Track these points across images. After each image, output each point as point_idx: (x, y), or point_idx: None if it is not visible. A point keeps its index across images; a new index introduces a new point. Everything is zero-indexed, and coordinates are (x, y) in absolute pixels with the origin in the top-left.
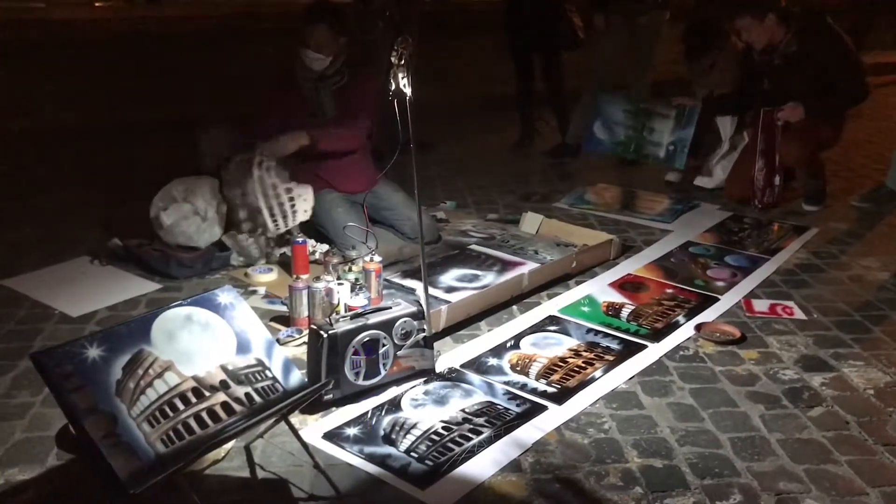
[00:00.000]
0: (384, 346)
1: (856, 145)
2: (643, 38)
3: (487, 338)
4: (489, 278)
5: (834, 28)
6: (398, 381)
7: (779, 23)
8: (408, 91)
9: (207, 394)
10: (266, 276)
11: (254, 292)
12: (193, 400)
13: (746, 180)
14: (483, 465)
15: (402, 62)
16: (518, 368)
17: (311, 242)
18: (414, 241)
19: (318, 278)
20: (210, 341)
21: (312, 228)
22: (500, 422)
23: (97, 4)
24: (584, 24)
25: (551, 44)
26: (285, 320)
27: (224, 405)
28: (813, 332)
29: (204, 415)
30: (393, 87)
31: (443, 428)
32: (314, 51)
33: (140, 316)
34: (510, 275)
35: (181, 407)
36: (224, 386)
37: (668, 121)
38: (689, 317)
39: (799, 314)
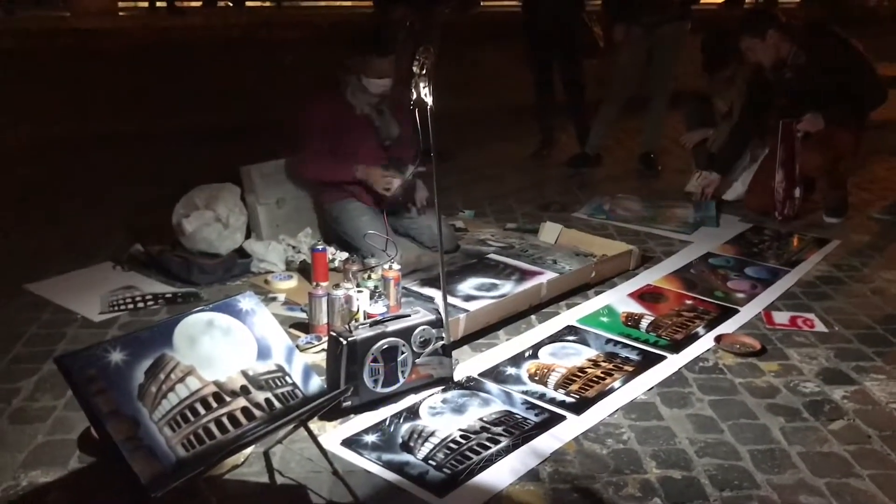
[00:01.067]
0: (403, 353)
1: (878, 157)
2: (664, 50)
3: (505, 347)
4: (508, 287)
5: (840, 34)
6: (416, 389)
7: (782, 38)
8: (429, 101)
9: (228, 399)
10: (286, 283)
11: (274, 299)
12: (214, 405)
13: (767, 192)
14: (501, 474)
15: (424, 72)
16: (536, 378)
17: (330, 250)
18: (432, 250)
19: (337, 286)
20: (231, 347)
21: (335, 236)
22: (518, 431)
23: (121, 14)
24: (604, 34)
25: (570, 52)
26: (305, 327)
27: (244, 410)
28: (834, 345)
29: (224, 420)
30: (414, 96)
31: (461, 436)
32: (379, 77)
33: (162, 321)
34: (529, 284)
35: (202, 411)
36: (245, 391)
37: (687, 210)
38: (708, 328)
39: (820, 327)
